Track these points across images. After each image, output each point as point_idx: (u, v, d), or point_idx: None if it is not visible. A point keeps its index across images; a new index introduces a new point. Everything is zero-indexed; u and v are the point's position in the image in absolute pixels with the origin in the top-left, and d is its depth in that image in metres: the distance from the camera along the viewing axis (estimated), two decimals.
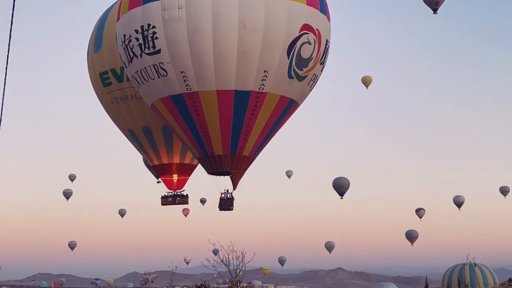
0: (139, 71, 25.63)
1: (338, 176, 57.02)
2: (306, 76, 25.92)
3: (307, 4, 24.80)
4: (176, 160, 35.55)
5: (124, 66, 27.49)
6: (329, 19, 26.62)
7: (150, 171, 38.61)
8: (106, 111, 34.65)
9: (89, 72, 34.50)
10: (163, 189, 37.46)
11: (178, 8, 23.76)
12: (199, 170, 35.29)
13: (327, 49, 26.68)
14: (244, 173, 27.93)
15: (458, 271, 45.24)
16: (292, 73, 25.23)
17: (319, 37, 25.45)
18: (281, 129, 28.26)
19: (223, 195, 29.20)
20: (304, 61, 25.31)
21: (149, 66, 25.05)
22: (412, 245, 69.58)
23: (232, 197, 29.23)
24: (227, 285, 23.44)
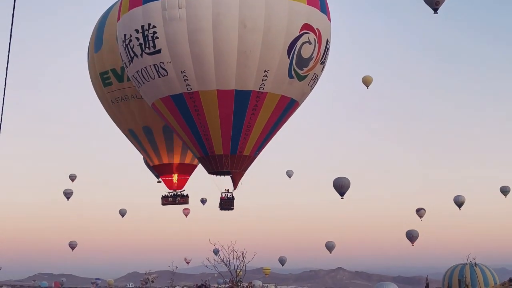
0: (140, 71, 25.64)
1: (338, 176, 57.10)
2: (306, 75, 25.92)
3: (307, 4, 24.80)
4: (177, 160, 35.56)
5: (124, 65, 27.51)
6: (329, 19, 26.61)
7: (151, 171, 38.61)
8: (107, 111, 34.66)
9: (89, 72, 34.51)
10: (163, 189, 37.50)
11: (179, 8, 23.76)
12: (200, 170, 35.32)
13: (328, 48, 26.67)
14: (244, 172, 27.93)
15: (459, 271, 45.19)
16: (293, 72, 25.22)
17: (319, 36, 25.44)
18: (281, 129, 28.27)
19: (223, 195, 29.19)
20: (304, 61, 25.30)
21: (150, 65, 25.06)
22: (413, 245, 69.62)
23: (233, 196, 29.22)
24: (227, 285, 23.40)
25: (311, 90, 27.46)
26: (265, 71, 24.57)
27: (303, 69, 25.50)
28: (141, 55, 25.03)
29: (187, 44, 23.98)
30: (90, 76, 34.44)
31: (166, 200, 37.42)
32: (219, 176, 28.10)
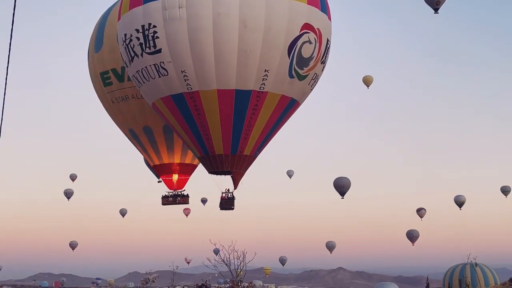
0: (140, 71, 25.63)
1: (339, 176, 57.12)
2: (307, 75, 25.90)
3: (307, 3, 24.78)
4: (177, 160, 35.55)
5: (125, 65, 27.50)
6: (330, 18, 26.60)
7: (151, 170, 38.60)
8: (107, 111, 34.66)
9: (89, 72, 34.51)
10: (163, 189, 37.49)
11: (179, 8, 23.76)
12: (200, 169, 35.31)
13: (328, 48, 26.65)
14: (245, 172, 27.93)
15: (459, 271, 45.12)
16: (293, 72, 25.20)
17: (319, 36, 25.42)
18: (282, 128, 28.26)
19: (224, 195, 29.17)
20: (304, 61, 25.28)
21: (150, 65, 25.05)
22: (413, 245, 69.63)
23: (233, 196, 29.21)
24: (228, 285, 23.39)
25: (311, 89, 27.44)
26: (265, 70, 24.55)
27: (303, 69, 25.48)
28: (142, 54, 25.02)
29: (188, 43, 23.97)
30: (90, 76, 34.44)
31: (166, 200, 37.40)
32: (219, 175, 28.09)
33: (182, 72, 24.61)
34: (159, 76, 25.12)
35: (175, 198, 37.27)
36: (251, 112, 25.57)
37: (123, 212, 75.22)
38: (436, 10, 40.28)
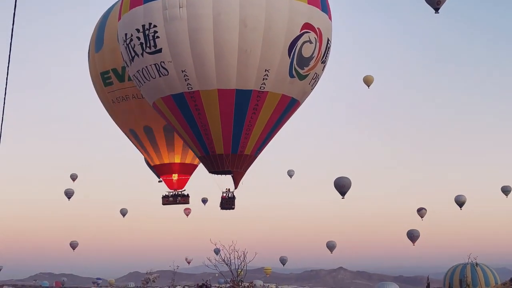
0: (140, 70, 25.65)
1: (339, 176, 57.16)
2: (307, 75, 25.89)
3: (308, 3, 24.77)
4: (177, 159, 35.58)
5: (125, 65, 27.52)
6: (330, 18, 26.58)
7: (152, 170, 38.62)
8: (107, 111, 34.70)
9: (90, 71, 34.54)
10: (164, 189, 37.52)
11: (179, 7, 23.76)
12: (200, 169, 35.33)
13: (329, 48, 26.64)
14: (245, 172, 27.93)
15: (460, 270, 45.14)
16: (293, 72, 25.20)
17: (320, 36, 25.41)
18: (282, 128, 28.25)
19: (224, 194, 29.16)
20: (305, 60, 25.27)
21: (150, 65, 25.06)
22: (414, 245, 69.69)
23: (234, 196, 29.19)
24: (228, 285, 23.39)
25: (312, 89, 27.44)
26: (265, 70, 24.55)
27: (304, 69, 25.47)
28: (142, 54, 25.03)
29: (188, 43, 23.98)
30: (91, 76, 34.46)
31: (166, 200, 37.43)
32: (220, 175, 28.09)
33: (182, 71, 24.62)
34: (160, 76, 25.13)
35: (176, 198, 37.30)
36: (252, 111, 25.57)
37: (123, 212, 75.23)
38: (436, 10, 40.29)
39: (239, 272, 22.38)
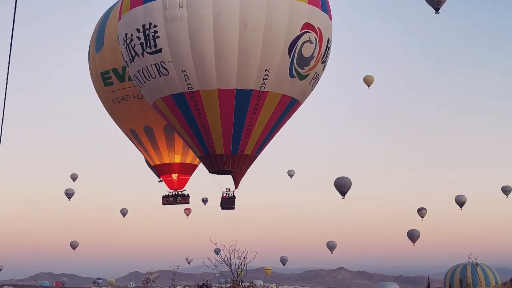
0: (141, 70, 25.63)
1: (339, 176, 57.14)
2: (307, 75, 25.86)
3: (308, 3, 24.73)
4: (177, 159, 35.55)
5: (126, 65, 27.50)
6: (330, 18, 26.55)
7: (152, 170, 38.60)
8: (108, 111, 34.67)
9: (90, 71, 34.51)
10: (164, 189, 37.49)
11: (179, 7, 23.74)
12: (201, 169, 35.31)
13: (329, 48, 26.61)
14: (245, 172, 27.90)
15: (460, 270, 45.16)
16: (294, 72, 25.17)
17: (320, 35, 25.38)
18: (282, 128, 28.22)
19: (224, 194, 29.13)
20: (305, 60, 25.25)
21: (151, 65, 25.04)
22: (414, 245, 69.62)
23: (234, 196, 29.15)
24: (229, 285, 23.40)
25: (312, 89, 27.41)
26: (266, 70, 24.53)
27: (304, 68, 25.44)
28: (142, 54, 25.01)
29: (188, 43, 23.95)
30: (91, 76, 34.43)
31: (167, 200, 37.40)
32: (220, 175, 28.06)
33: (182, 71, 24.59)
34: (160, 76, 25.11)
35: (176, 198, 37.27)
36: (252, 111, 25.54)
37: (124, 212, 75.23)
38: (437, 10, 40.28)
39: (239, 272, 22.38)
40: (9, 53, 13.74)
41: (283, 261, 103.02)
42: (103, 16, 34.00)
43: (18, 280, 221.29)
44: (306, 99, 28.00)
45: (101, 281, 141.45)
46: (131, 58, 25.78)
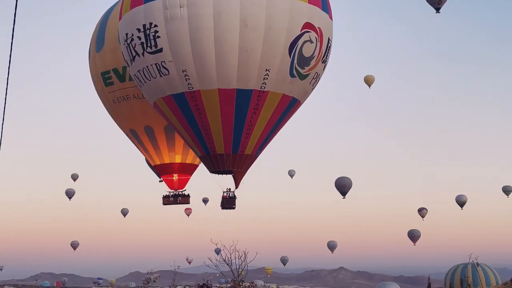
0: (141, 70, 25.63)
1: (340, 176, 57.12)
2: (308, 74, 25.85)
3: (308, 2, 24.73)
4: (178, 159, 35.55)
5: (126, 65, 27.51)
6: (331, 17, 26.55)
7: (153, 170, 38.60)
8: (108, 111, 34.67)
9: (90, 71, 34.51)
10: (165, 189, 37.48)
11: (180, 7, 23.74)
12: (201, 169, 35.30)
13: (329, 47, 26.60)
14: (246, 172, 27.90)
15: (461, 270, 45.12)
16: (294, 71, 25.15)
17: (321, 35, 25.37)
18: (283, 128, 28.22)
19: (225, 194, 29.12)
20: (306, 60, 25.23)
21: (151, 65, 25.04)
22: (415, 245, 69.63)
23: (234, 195, 29.15)
24: (229, 285, 23.40)
25: (312, 89, 27.40)
26: (266, 70, 24.52)
27: (304, 68, 25.43)
28: (143, 54, 25.01)
29: (188, 43, 23.95)
30: (91, 75, 34.43)
31: (167, 200, 37.38)
32: (220, 175, 28.06)
33: (183, 71, 24.59)
34: (160, 76, 25.11)
35: (176, 198, 37.25)
36: (252, 111, 25.54)
37: (124, 212, 75.27)
38: (437, 9, 40.28)
39: (240, 272, 22.38)
40: (9, 53, 13.73)
41: (284, 261, 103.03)
42: (104, 16, 34.00)
43: (19, 280, 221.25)
44: (307, 99, 28.00)
45: (102, 281, 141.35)
46: (131, 58, 25.79)
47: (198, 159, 32.95)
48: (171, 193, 37.21)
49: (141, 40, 24.86)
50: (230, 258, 21.88)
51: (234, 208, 29.36)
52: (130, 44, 25.47)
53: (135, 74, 26.49)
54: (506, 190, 71.59)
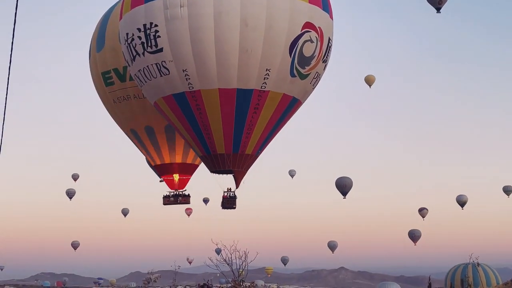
0: (142, 70, 25.62)
1: (341, 176, 57.10)
2: (308, 74, 25.82)
3: (309, 2, 24.71)
4: (178, 159, 35.50)
5: (127, 64, 27.50)
6: (331, 17, 26.52)
7: (153, 170, 38.56)
8: (108, 111, 34.63)
9: (91, 71, 34.47)
10: (165, 189, 37.44)
11: (180, 7, 23.72)
12: (201, 169, 35.27)
13: (330, 47, 26.57)
14: (246, 171, 27.87)
15: (461, 270, 45.14)
16: (295, 71, 25.12)
17: (321, 35, 25.34)
18: (283, 127, 28.19)
19: (225, 194, 29.10)
20: (306, 59, 25.20)
21: (152, 64, 25.02)
22: (415, 245, 69.57)
23: (235, 195, 29.12)
24: (230, 285, 23.38)
25: (313, 88, 27.38)
26: (266, 69, 24.49)
27: (305, 68, 25.40)
28: (143, 54, 24.99)
29: (189, 42, 23.92)
30: (92, 75, 34.39)
31: (167, 200, 37.34)
32: (221, 175, 28.04)
33: (183, 71, 24.57)
34: (161, 75, 25.09)
35: (176, 198, 37.21)
36: (253, 111, 25.51)
37: (125, 212, 75.30)
38: (438, 9, 40.32)
39: (240, 272, 22.36)
40: (10, 53, 13.71)
41: (284, 261, 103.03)
42: (104, 16, 33.97)
43: (19, 280, 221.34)
44: (307, 99, 27.97)
45: (102, 281, 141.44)
46: (132, 57, 25.78)
47: (198, 159, 32.94)
48: (172, 193, 37.16)
49: (142, 40, 24.84)
50: (231, 258, 21.89)
51: (234, 208, 29.34)
52: (131, 44, 25.45)
53: (135, 74, 26.48)
54: (507, 190, 71.57)
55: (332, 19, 26.67)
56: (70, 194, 72.54)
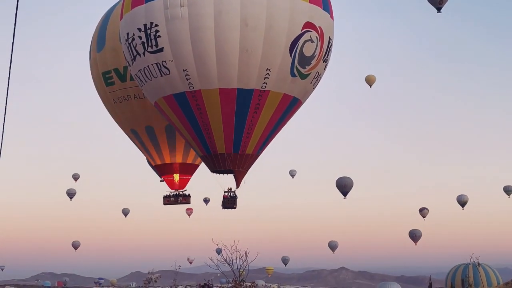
0: (142, 70, 25.62)
1: (341, 176, 57.10)
2: (309, 74, 25.81)
3: (309, 2, 24.70)
4: (179, 159, 35.49)
5: (127, 64, 27.50)
6: (332, 17, 26.51)
7: (153, 170, 38.56)
8: (109, 111, 34.62)
9: (91, 71, 34.47)
10: (165, 189, 37.43)
11: (180, 6, 23.73)
12: (202, 169, 35.27)
13: (330, 47, 26.56)
14: (247, 171, 27.86)
15: (462, 270, 45.02)
16: (295, 71, 25.11)
17: (321, 35, 25.33)
18: (284, 127, 28.18)
19: (226, 194, 29.10)
20: (306, 59, 25.19)
21: (152, 64, 25.02)
22: (416, 245, 69.50)
23: (235, 195, 29.12)
24: (230, 285, 23.40)
25: (313, 88, 27.37)
26: (267, 69, 24.48)
27: (305, 68, 25.39)
28: (144, 53, 25.00)
29: (189, 42, 23.92)
30: (92, 75, 34.38)
31: (168, 200, 37.35)
32: (221, 174, 28.03)
33: (184, 71, 24.57)
34: (161, 75, 25.09)
35: (177, 198, 37.21)
36: (253, 111, 25.50)
37: (125, 212, 75.29)
38: (439, 9, 40.28)
39: (241, 272, 22.37)
40: (10, 53, 13.71)
41: (285, 261, 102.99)
42: (105, 16, 33.97)
43: (20, 280, 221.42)
44: (308, 99, 27.95)
45: (103, 281, 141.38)
46: (132, 57, 25.78)
47: (199, 159, 32.93)
48: (172, 193, 37.16)
49: (142, 40, 24.84)
50: (231, 258, 21.91)
51: (235, 207, 29.34)
52: (131, 44, 25.45)
53: (136, 74, 26.48)
54: (507, 190, 71.49)
55: (333, 19, 26.66)
56: (71, 194, 72.53)
